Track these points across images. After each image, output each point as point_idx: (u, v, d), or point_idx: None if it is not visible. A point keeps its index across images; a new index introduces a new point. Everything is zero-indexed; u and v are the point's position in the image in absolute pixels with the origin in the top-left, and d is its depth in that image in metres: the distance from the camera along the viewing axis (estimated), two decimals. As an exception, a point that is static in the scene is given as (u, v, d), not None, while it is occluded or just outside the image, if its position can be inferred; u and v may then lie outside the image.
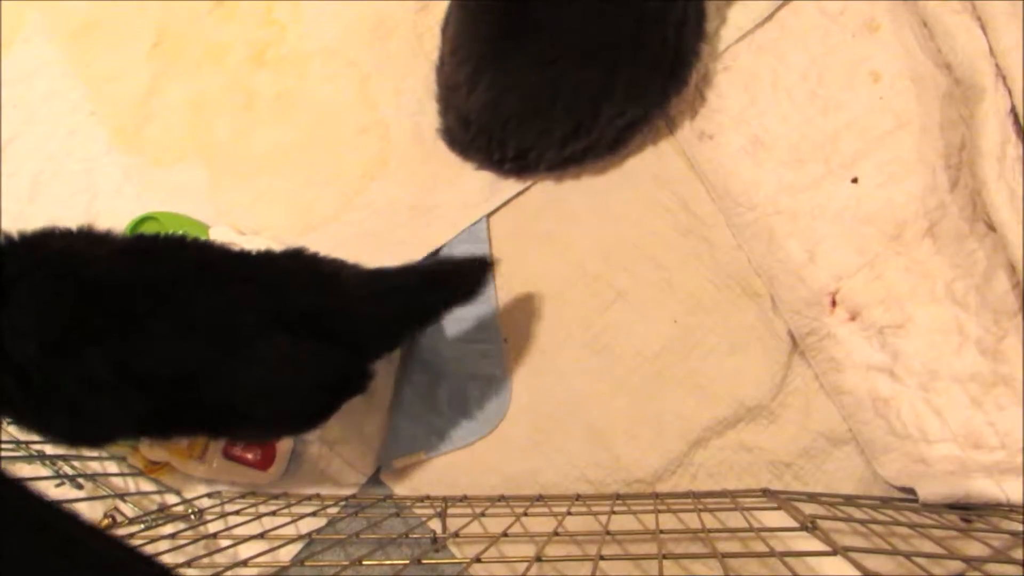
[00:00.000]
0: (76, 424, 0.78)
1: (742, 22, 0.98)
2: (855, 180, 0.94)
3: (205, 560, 0.80)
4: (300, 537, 0.95)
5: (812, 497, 0.90)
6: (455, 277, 0.90)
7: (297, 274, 0.79)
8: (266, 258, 0.81)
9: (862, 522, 0.77)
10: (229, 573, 0.89)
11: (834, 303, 0.93)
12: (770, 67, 0.97)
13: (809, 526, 0.76)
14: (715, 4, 0.97)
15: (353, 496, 1.02)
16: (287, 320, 0.73)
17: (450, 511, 0.91)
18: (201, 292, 0.73)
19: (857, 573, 0.59)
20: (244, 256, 0.81)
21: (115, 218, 1.07)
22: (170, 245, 0.80)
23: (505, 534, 0.78)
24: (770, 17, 0.98)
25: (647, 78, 0.93)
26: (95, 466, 1.02)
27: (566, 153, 0.96)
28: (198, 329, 0.71)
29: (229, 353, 0.72)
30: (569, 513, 0.86)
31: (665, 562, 0.63)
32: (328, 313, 0.76)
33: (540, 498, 0.96)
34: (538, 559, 0.67)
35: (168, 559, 0.77)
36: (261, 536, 0.84)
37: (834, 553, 0.65)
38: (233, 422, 0.78)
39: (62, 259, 0.75)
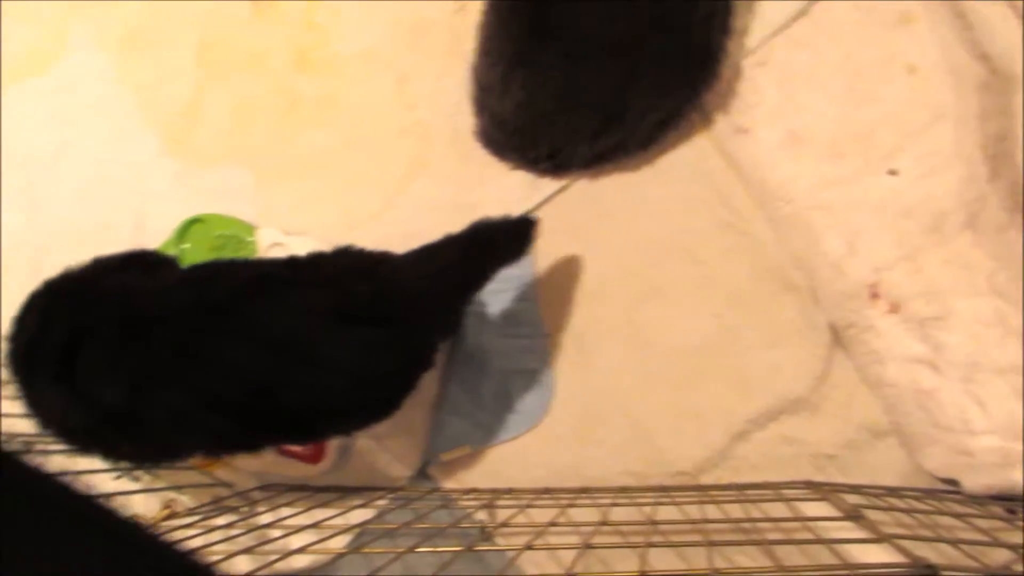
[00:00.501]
0: (170, 454, 0.84)
1: (776, 17, 1.01)
2: (893, 172, 0.95)
3: (258, 550, 0.83)
4: (351, 528, 0.97)
5: (855, 489, 0.91)
6: (498, 238, 0.92)
7: (348, 268, 0.81)
8: (316, 259, 0.85)
9: (907, 511, 0.78)
10: (282, 564, 0.93)
11: (874, 295, 0.94)
12: (805, 61, 0.99)
13: (855, 515, 0.77)
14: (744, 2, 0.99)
15: (401, 489, 1.04)
16: (348, 312, 0.75)
17: (496, 504, 0.93)
18: (260, 304, 0.75)
19: (904, 560, 0.60)
20: (295, 262, 0.84)
21: (163, 221, 1.11)
22: (221, 267, 0.83)
23: (553, 524, 0.80)
24: (804, 12, 1.00)
25: (673, 73, 0.96)
26: (148, 462, 1.05)
27: (597, 149, 0.99)
28: (264, 340, 0.74)
29: (300, 357, 0.74)
30: (615, 504, 0.88)
31: (711, 553, 0.63)
32: (385, 297, 0.78)
33: (585, 491, 0.98)
34: (588, 546, 0.68)
35: (222, 548, 0.80)
36: (313, 526, 0.86)
37: (881, 540, 0.66)
38: (317, 423, 0.80)
39: (122, 303, 0.79)
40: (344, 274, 0.80)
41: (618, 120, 0.97)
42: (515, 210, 1.04)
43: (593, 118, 0.97)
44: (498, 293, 1.06)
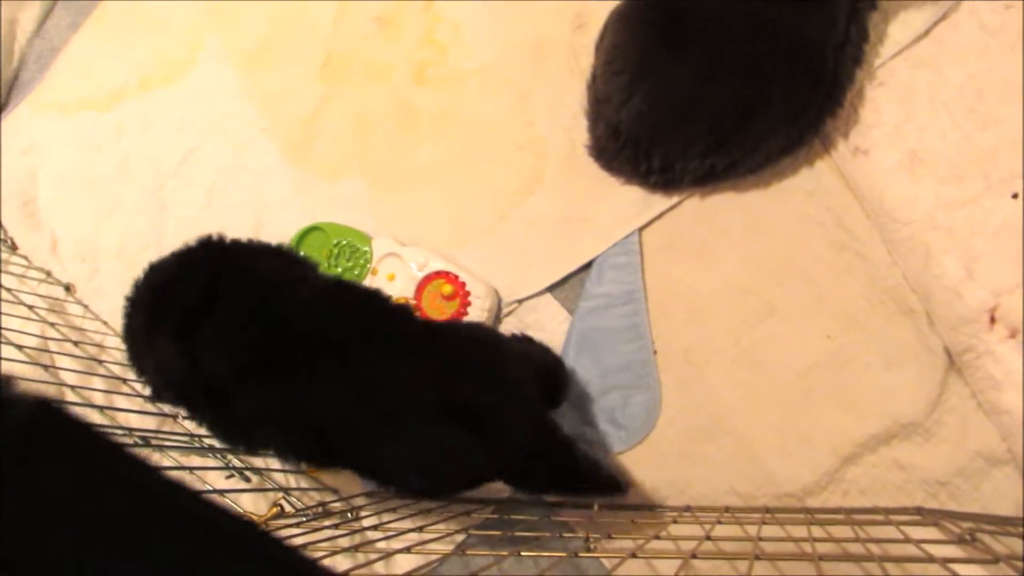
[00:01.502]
0: (239, 437, 0.96)
1: (899, 37, 1.10)
2: (1016, 196, 1.03)
3: (361, 556, 0.94)
4: (452, 533, 1.08)
5: (968, 517, 0.98)
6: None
7: (472, 361, 0.88)
8: (448, 335, 0.94)
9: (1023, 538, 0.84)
10: (383, 567, 1.04)
11: (993, 320, 1.01)
12: (927, 82, 1.08)
13: (967, 538, 0.84)
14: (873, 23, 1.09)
15: (504, 500, 1.14)
16: (447, 406, 0.82)
17: (598, 519, 1.03)
18: (377, 357, 0.84)
19: None
20: (428, 329, 0.94)
21: (282, 228, 1.28)
22: (360, 299, 0.95)
23: (657, 537, 0.89)
24: (927, 32, 1.10)
25: (802, 98, 1.05)
26: (259, 462, 1.18)
27: (707, 167, 1.08)
28: (364, 392, 0.83)
29: (387, 423, 0.82)
30: (719, 523, 0.96)
31: (812, 570, 0.71)
32: (486, 411, 0.84)
33: (688, 509, 1.07)
34: (692, 556, 0.77)
35: (326, 546, 0.90)
36: (418, 530, 0.98)
37: (996, 561, 0.72)
38: (374, 476, 0.91)
39: (264, 288, 0.92)
40: (465, 365, 0.87)
41: (736, 140, 1.07)
42: (628, 226, 1.16)
43: (711, 135, 1.06)
44: (606, 309, 1.18)
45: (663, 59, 1.06)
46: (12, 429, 0.40)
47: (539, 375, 1.05)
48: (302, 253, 1.25)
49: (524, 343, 1.14)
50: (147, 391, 1.00)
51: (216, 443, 1.10)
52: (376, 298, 0.96)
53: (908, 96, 1.09)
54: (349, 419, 0.84)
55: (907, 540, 0.84)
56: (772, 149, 1.08)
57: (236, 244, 0.98)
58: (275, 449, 0.95)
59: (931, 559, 0.73)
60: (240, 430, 0.94)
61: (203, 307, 0.89)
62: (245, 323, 0.88)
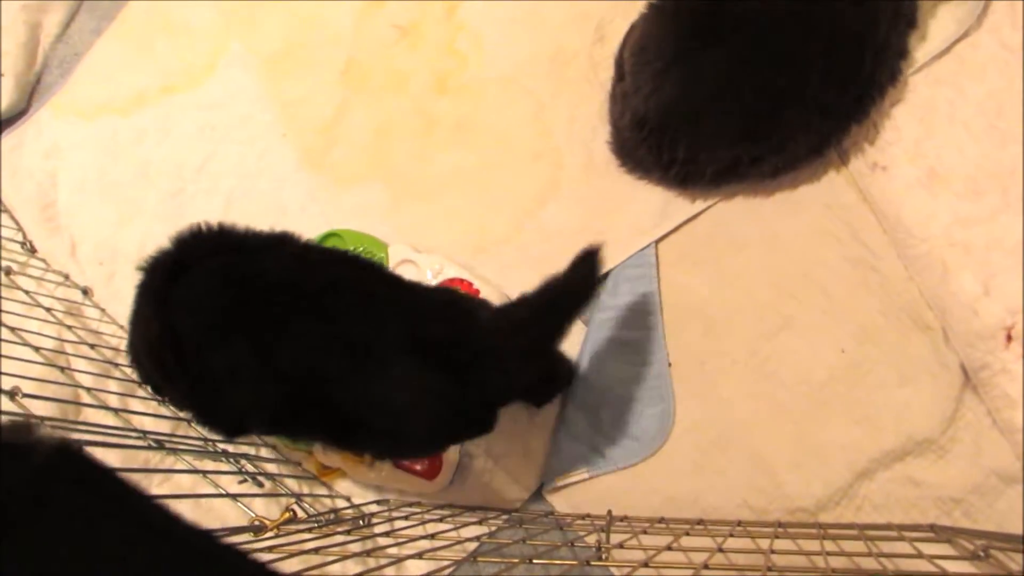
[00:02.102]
0: (216, 407, 0.94)
1: (919, 55, 1.12)
2: (1034, 213, 1.03)
3: (372, 561, 0.95)
4: (463, 541, 1.09)
5: (982, 535, 0.98)
6: (572, 285, 0.99)
7: (441, 306, 0.90)
8: (416, 286, 0.96)
9: None
10: (394, 572, 1.05)
11: (1009, 338, 1.02)
12: (947, 99, 1.09)
13: (981, 554, 0.84)
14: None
15: (515, 511, 1.15)
16: (422, 346, 0.83)
17: (610, 529, 1.04)
18: (349, 303, 0.85)
19: None
20: (396, 279, 0.95)
21: (299, 234, 1.27)
22: (331, 257, 0.97)
23: (669, 547, 0.90)
24: (948, 50, 1.11)
25: (834, 97, 1.06)
26: (271, 468, 1.20)
27: (735, 155, 1.09)
28: (339, 337, 0.83)
29: (362, 365, 0.82)
30: (731, 535, 0.97)
31: None
32: (461, 348, 0.85)
33: (700, 522, 1.08)
34: (704, 566, 0.78)
35: (337, 551, 0.90)
36: (429, 538, 0.99)
37: None
38: (355, 432, 0.89)
39: (235, 252, 0.93)
40: (435, 310, 0.89)
41: (766, 132, 1.08)
42: (644, 239, 1.17)
43: (742, 123, 1.08)
44: (622, 319, 1.19)
45: (697, 47, 1.07)
46: (32, 474, 0.42)
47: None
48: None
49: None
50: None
51: (229, 448, 1.11)
52: (348, 254, 0.97)
53: (928, 113, 1.10)
54: (322, 369, 0.83)
55: (920, 556, 0.84)
56: (799, 147, 1.10)
57: (223, 226, 0.99)
58: (252, 421, 0.94)
59: (944, 574, 0.73)
60: (218, 400, 0.92)
61: (179, 273, 0.90)
62: (217, 281, 0.89)
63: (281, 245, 0.97)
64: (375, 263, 0.97)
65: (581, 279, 0.96)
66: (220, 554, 0.49)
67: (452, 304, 0.92)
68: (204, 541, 0.48)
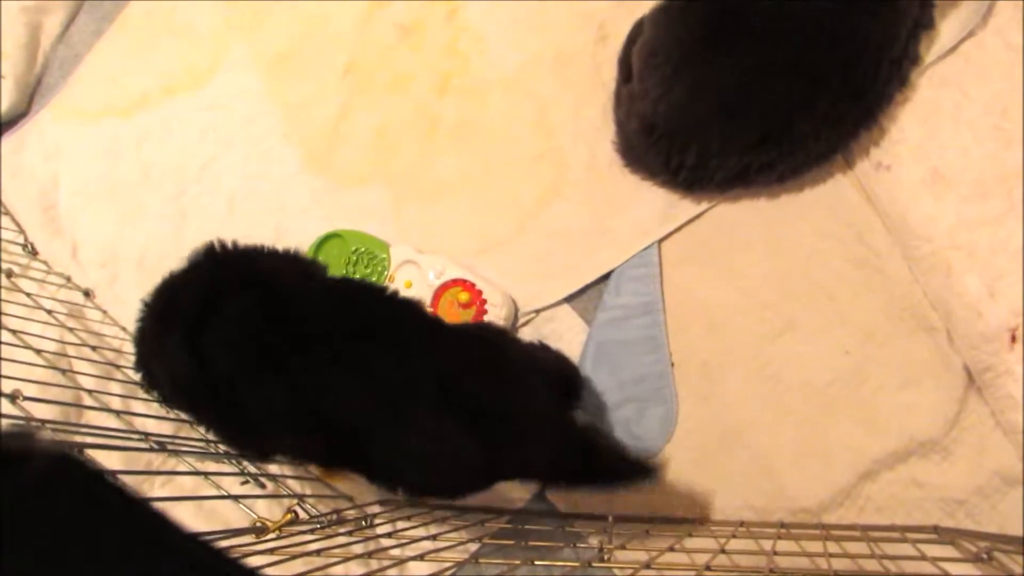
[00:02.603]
0: (248, 439, 0.97)
1: (924, 55, 1.11)
2: (1038, 215, 1.03)
3: (374, 563, 0.95)
4: (466, 542, 1.09)
5: (985, 536, 0.98)
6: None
7: (480, 361, 0.89)
8: (455, 334, 0.95)
9: None
10: (396, 572, 1.05)
11: (1014, 339, 1.02)
12: (952, 100, 1.09)
13: (984, 557, 0.84)
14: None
15: (518, 511, 1.15)
16: (450, 403, 0.83)
17: (613, 531, 1.04)
18: (386, 353, 0.84)
19: None
20: (436, 326, 0.95)
21: (302, 236, 1.29)
22: (369, 296, 0.96)
23: (672, 548, 0.90)
24: (953, 50, 1.10)
25: (847, 106, 1.06)
26: (274, 468, 1.20)
27: (745, 163, 1.09)
28: (372, 388, 0.83)
29: (394, 419, 0.82)
30: (734, 536, 0.97)
31: None
32: (493, 415, 0.85)
33: (703, 522, 1.08)
34: (706, 567, 0.78)
35: (339, 552, 0.89)
36: (432, 539, 0.99)
37: None
38: (380, 474, 0.90)
39: (271, 283, 0.93)
40: (474, 365, 0.88)
41: (777, 140, 1.07)
42: (647, 238, 1.17)
43: (754, 130, 1.07)
44: (624, 320, 1.19)
45: (709, 53, 1.07)
46: (31, 483, 0.41)
47: (550, 377, 1.05)
48: (320, 259, 1.27)
49: (540, 351, 1.15)
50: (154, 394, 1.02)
51: (232, 449, 1.11)
52: (382, 293, 0.96)
53: (932, 113, 1.10)
54: (354, 414, 0.84)
55: (923, 558, 0.84)
56: (808, 155, 1.09)
57: (241, 247, 1.00)
58: (283, 450, 0.98)
59: (947, 576, 0.73)
60: (249, 432, 0.95)
61: (209, 307, 0.89)
62: (251, 320, 0.89)
63: (310, 278, 0.97)
64: (411, 302, 0.96)
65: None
66: (221, 567, 0.49)
67: (487, 354, 0.92)
68: (205, 553, 0.48)
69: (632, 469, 1.00)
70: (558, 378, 1.08)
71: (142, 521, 0.45)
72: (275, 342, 0.87)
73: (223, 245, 0.98)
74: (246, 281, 0.93)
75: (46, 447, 0.44)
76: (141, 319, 0.98)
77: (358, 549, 0.98)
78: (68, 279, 1.39)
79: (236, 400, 0.89)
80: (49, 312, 1.25)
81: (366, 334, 0.86)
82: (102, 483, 0.45)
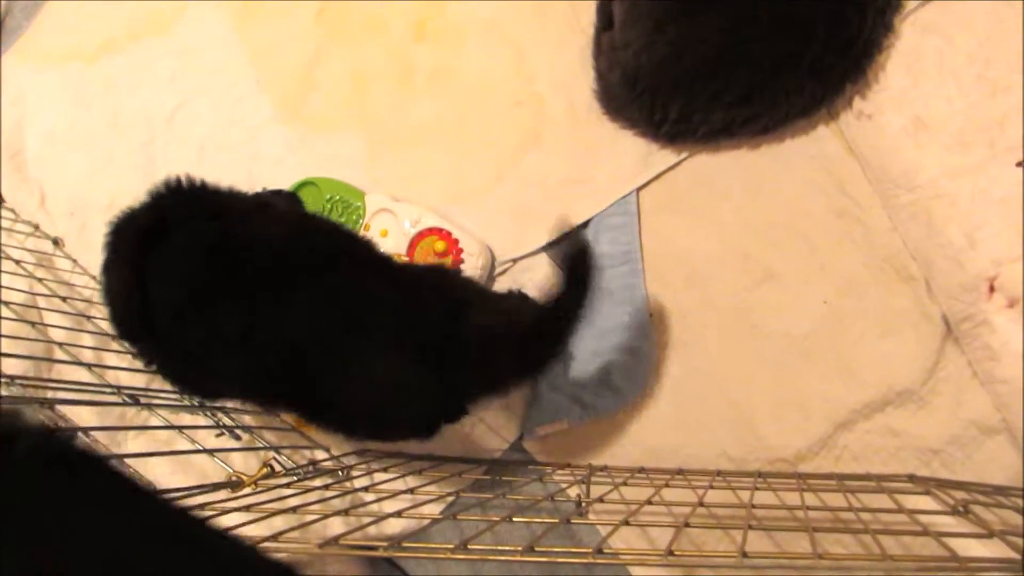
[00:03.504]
0: (192, 372, 0.93)
1: (908, 2, 1.08)
2: (1020, 164, 1.01)
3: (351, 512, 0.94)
4: (444, 496, 1.08)
5: (960, 485, 0.98)
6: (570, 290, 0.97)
7: (433, 300, 0.87)
8: (406, 269, 0.94)
9: (1015, 510, 0.84)
10: (374, 528, 1.04)
11: (992, 289, 1.01)
12: (935, 48, 1.06)
13: (960, 510, 0.84)
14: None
15: (496, 461, 1.15)
16: (407, 341, 0.82)
17: (590, 480, 1.03)
18: (340, 286, 0.83)
19: (1014, 555, 0.64)
20: (389, 265, 0.92)
21: (275, 183, 1.26)
22: (324, 230, 0.94)
23: (649, 502, 0.89)
24: (937, -4, 1.07)
25: (834, 58, 1.04)
26: (249, 420, 1.18)
27: (730, 117, 1.07)
28: (325, 320, 0.81)
29: (346, 352, 0.81)
30: (711, 487, 0.96)
31: (806, 540, 0.70)
32: (447, 347, 0.83)
33: (680, 472, 1.07)
34: (685, 525, 0.77)
35: (317, 508, 0.89)
36: (407, 492, 0.98)
37: (989, 536, 0.72)
38: (328, 412, 0.88)
39: (223, 213, 0.91)
40: (427, 304, 0.86)
41: (761, 94, 1.06)
42: (626, 186, 1.15)
43: (740, 85, 1.05)
44: (602, 269, 1.16)
45: (693, 6, 1.04)
46: (18, 462, 0.40)
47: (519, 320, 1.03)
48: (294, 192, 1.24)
49: (519, 300, 1.13)
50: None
51: (206, 401, 1.09)
52: (339, 228, 0.95)
53: (915, 61, 1.07)
54: (305, 347, 0.81)
55: (900, 510, 0.84)
56: (792, 107, 1.08)
57: (201, 184, 0.96)
58: (223, 384, 0.93)
59: (925, 532, 0.72)
60: (185, 362, 0.90)
61: (155, 239, 0.86)
62: (200, 247, 0.86)
63: (266, 210, 0.93)
64: (367, 240, 0.94)
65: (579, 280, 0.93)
66: (213, 542, 0.48)
67: (442, 291, 0.90)
68: (198, 530, 0.47)
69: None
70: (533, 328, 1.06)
71: (130, 500, 0.45)
72: (224, 270, 0.84)
73: (179, 179, 0.95)
74: (197, 211, 0.90)
75: (33, 427, 0.43)
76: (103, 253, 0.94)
77: (336, 503, 0.97)
78: (36, 227, 1.35)
79: (179, 331, 0.85)
80: (17, 262, 1.22)
81: (319, 263, 0.84)
82: (90, 462, 0.45)
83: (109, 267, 0.90)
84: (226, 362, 0.85)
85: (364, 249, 0.93)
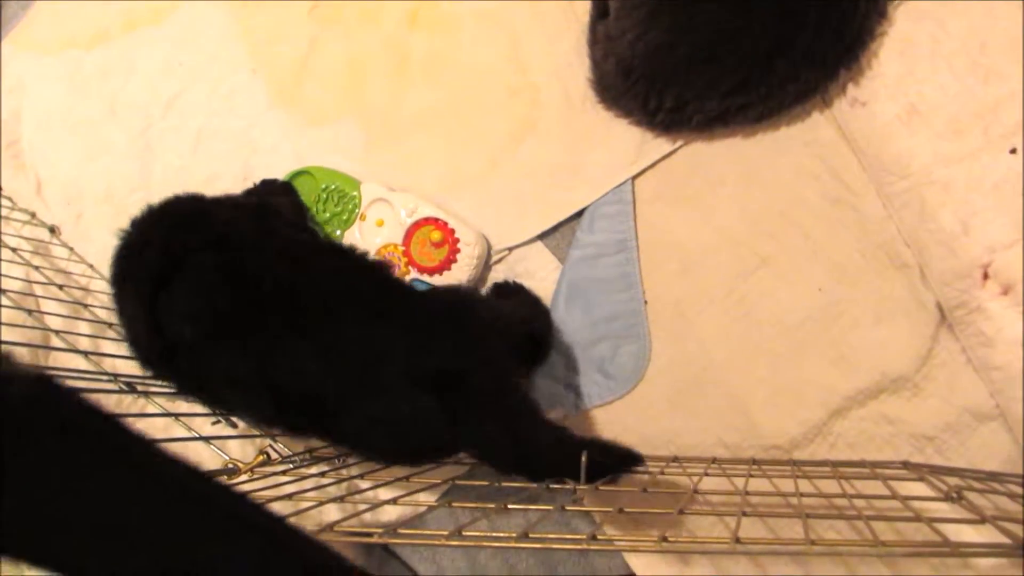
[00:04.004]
0: (208, 401, 0.96)
1: (903, -13, 1.07)
2: (1014, 151, 1.01)
3: (349, 503, 0.94)
4: (439, 484, 1.08)
5: (954, 471, 0.98)
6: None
7: (448, 330, 0.87)
8: (424, 301, 0.93)
9: (1009, 496, 0.84)
10: (370, 515, 1.04)
11: (986, 276, 1.00)
12: (929, 34, 1.05)
13: (954, 496, 0.84)
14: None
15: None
16: (418, 373, 0.82)
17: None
18: (352, 323, 0.83)
19: (1006, 540, 0.63)
20: (405, 292, 0.93)
21: (271, 173, 1.26)
22: (327, 258, 0.94)
23: (644, 490, 0.89)
24: (933, -20, 1.06)
25: (828, 44, 1.03)
26: (247, 407, 1.18)
27: (725, 106, 1.06)
28: (338, 359, 0.82)
29: (354, 388, 0.82)
30: (706, 474, 0.96)
31: (800, 526, 0.70)
32: (454, 379, 0.83)
33: (676, 459, 1.07)
34: (679, 512, 0.77)
35: (313, 495, 0.89)
36: (404, 480, 0.97)
37: (981, 521, 0.72)
38: (345, 439, 0.90)
39: (230, 246, 0.90)
40: (442, 334, 0.86)
41: (756, 83, 1.05)
42: (621, 175, 1.14)
43: (732, 72, 1.04)
44: (597, 258, 1.17)
45: None
46: (11, 405, 0.41)
47: (520, 335, 1.05)
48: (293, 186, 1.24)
49: (513, 293, 1.12)
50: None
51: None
52: (350, 257, 0.95)
53: (908, 47, 1.06)
54: (316, 384, 0.82)
55: (894, 497, 0.84)
56: (786, 95, 1.07)
57: (187, 199, 0.97)
58: (242, 415, 0.97)
59: (918, 518, 0.72)
60: (205, 394, 0.94)
61: (167, 271, 0.87)
62: (209, 285, 0.87)
63: (270, 236, 0.93)
64: (375, 264, 0.95)
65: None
66: (207, 491, 0.49)
67: (454, 323, 0.90)
68: (184, 473, 0.48)
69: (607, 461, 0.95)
70: (526, 339, 1.08)
71: (122, 443, 0.46)
72: (234, 307, 0.85)
73: (172, 199, 0.95)
74: (204, 240, 0.90)
75: (25, 370, 0.43)
76: (112, 280, 0.95)
77: (332, 491, 0.97)
78: (33, 215, 1.35)
79: (196, 364, 0.87)
80: (14, 250, 1.22)
81: (330, 300, 0.85)
82: (81, 405, 0.45)
83: (122, 301, 0.92)
84: (241, 398, 0.88)
85: (371, 274, 0.93)
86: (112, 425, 0.46)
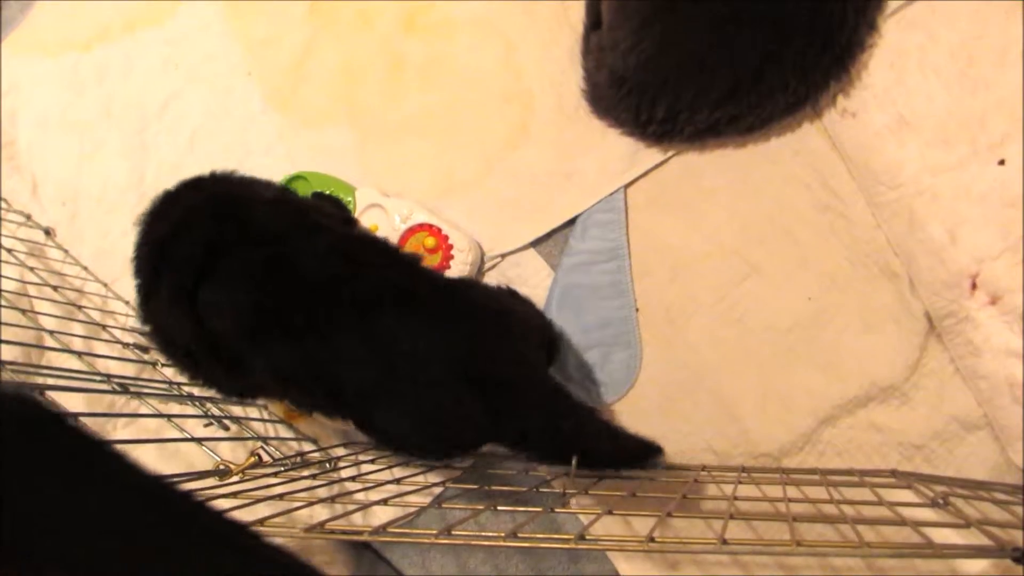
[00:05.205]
0: (252, 392, 0.98)
1: (892, 1, 1.08)
2: (1002, 162, 1.02)
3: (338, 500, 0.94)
4: (430, 486, 1.08)
5: (942, 480, 0.98)
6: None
7: (494, 334, 0.88)
8: (469, 298, 0.93)
9: (996, 503, 0.84)
10: (360, 518, 1.04)
11: (974, 286, 1.01)
12: (918, 45, 1.06)
13: (940, 502, 0.84)
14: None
15: (482, 453, 1.14)
16: (462, 371, 0.83)
17: (575, 474, 1.03)
18: (397, 321, 0.83)
19: (990, 544, 0.63)
20: (448, 288, 0.93)
21: (265, 174, 1.23)
22: (380, 253, 0.94)
23: (633, 494, 0.89)
24: (921, -7, 1.07)
25: (815, 55, 1.04)
26: (237, 410, 1.18)
27: (715, 117, 1.07)
28: (380, 351, 0.82)
29: (401, 383, 0.82)
30: (695, 481, 0.97)
31: (786, 530, 0.71)
32: (500, 382, 0.85)
33: (665, 466, 1.07)
34: (667, 515, 0.77)
35: (304, 496, 0.89)
36: (396, 482, 0.98)
37: (967, 526, 0.72)
38: (380, 434, 0.91)
39: (273, 240, 0.89)
40: (487, 337, 0.87)
41: (746, 93, 1.06)
42: (613, 183, 1.15)
43: (724, 82, 1.05)
44: (589, 265, 1.17)
45: (678, 4, 1.04)
46: None
47: (541, 337, 1.06)
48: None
49: (510, 298, 1.13)
50: (128, 338, 0.99)
51: (195, 391, 1.09)
52: (394, 253, 0.95)
53: (898, 58, 1.07)
54: (363, 377, 0.82)
55: (881, 503, 0.84)
56: (776, 106, 1.08)
57: (234, 189, 0.96)
58: (285, 398, 0.98)
59: (903, 523, 0.73)
60: (250, 384, 0.94)
61: (208, 264, 0.86)
62: (253, 279, 0.86)
63: (317, 231, 0.93)
64: (417, 259, 0.95)
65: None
66: (180, 504, 0.48)
67: (509, 331, 0.92)
68: (162, 489, 0.47)
69: (633, 447, 0.99)
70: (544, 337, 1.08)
71: (99, 460, 0.45)
72: (280, 301, 0.85)
73: (210, 181, 0.96)
74: (246, 234, 0.89)
75: (3, 387, 0.43)
76: (138, 268, 0.94)
77: (322, 492, 0.97)
78: (28, 217, 1.35)
79: (242, 356, 0.87)
80: (9, 251, 1.22)
81: (378, 295, 0.84)
82: (59, 424, 0.44)
83: (161, 296, 0.90)
84: (286, 389, 0.90)
85: (419, 274, 0.93)
86: (89, 442, 0.45)
